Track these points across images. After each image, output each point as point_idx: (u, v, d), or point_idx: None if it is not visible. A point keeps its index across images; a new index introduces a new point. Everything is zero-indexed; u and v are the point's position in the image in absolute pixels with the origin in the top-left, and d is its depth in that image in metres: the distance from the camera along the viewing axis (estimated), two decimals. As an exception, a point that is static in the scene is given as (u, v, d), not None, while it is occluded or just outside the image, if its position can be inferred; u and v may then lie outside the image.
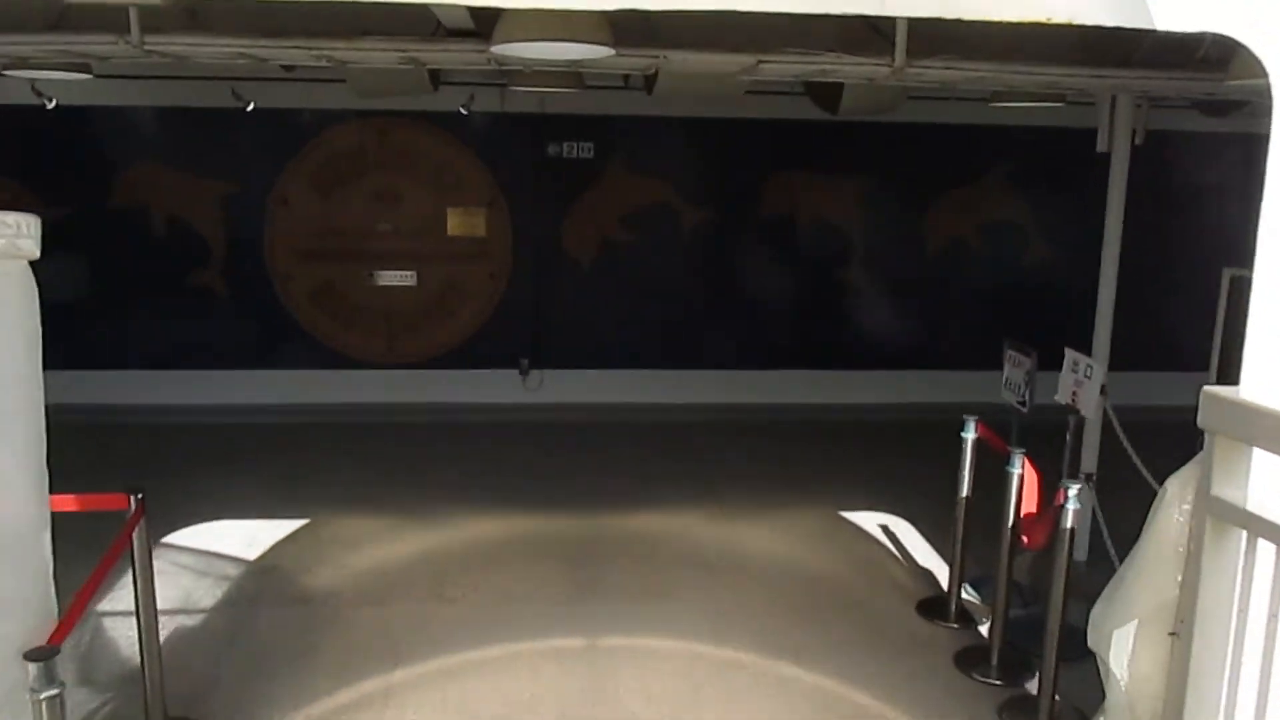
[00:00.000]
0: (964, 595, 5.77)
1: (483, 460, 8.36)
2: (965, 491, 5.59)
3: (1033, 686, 4.84)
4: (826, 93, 8.13)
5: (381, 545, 6.59)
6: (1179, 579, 3.11)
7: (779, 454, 8.72)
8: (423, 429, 9.24)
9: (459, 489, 7.65)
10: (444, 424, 9.37)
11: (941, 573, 6.22)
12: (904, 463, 8.43)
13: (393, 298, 9.59)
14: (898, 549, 6.68)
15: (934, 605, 5.81)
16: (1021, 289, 9.95)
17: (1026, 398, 5.62)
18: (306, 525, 6.84)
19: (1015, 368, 5.77)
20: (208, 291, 9.38)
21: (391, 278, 9.54)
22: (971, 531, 5.62)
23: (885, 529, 6.99)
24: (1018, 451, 4.96)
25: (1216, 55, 4.72)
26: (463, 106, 8.74)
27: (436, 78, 7.77)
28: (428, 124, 9.30)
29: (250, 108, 8.54)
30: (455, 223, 9.49)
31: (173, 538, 6.54)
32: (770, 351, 9.99)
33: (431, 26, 4.67)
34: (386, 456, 8.42)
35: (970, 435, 5.56)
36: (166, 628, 5.05)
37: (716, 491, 7.67)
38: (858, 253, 9.90)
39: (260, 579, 6.05)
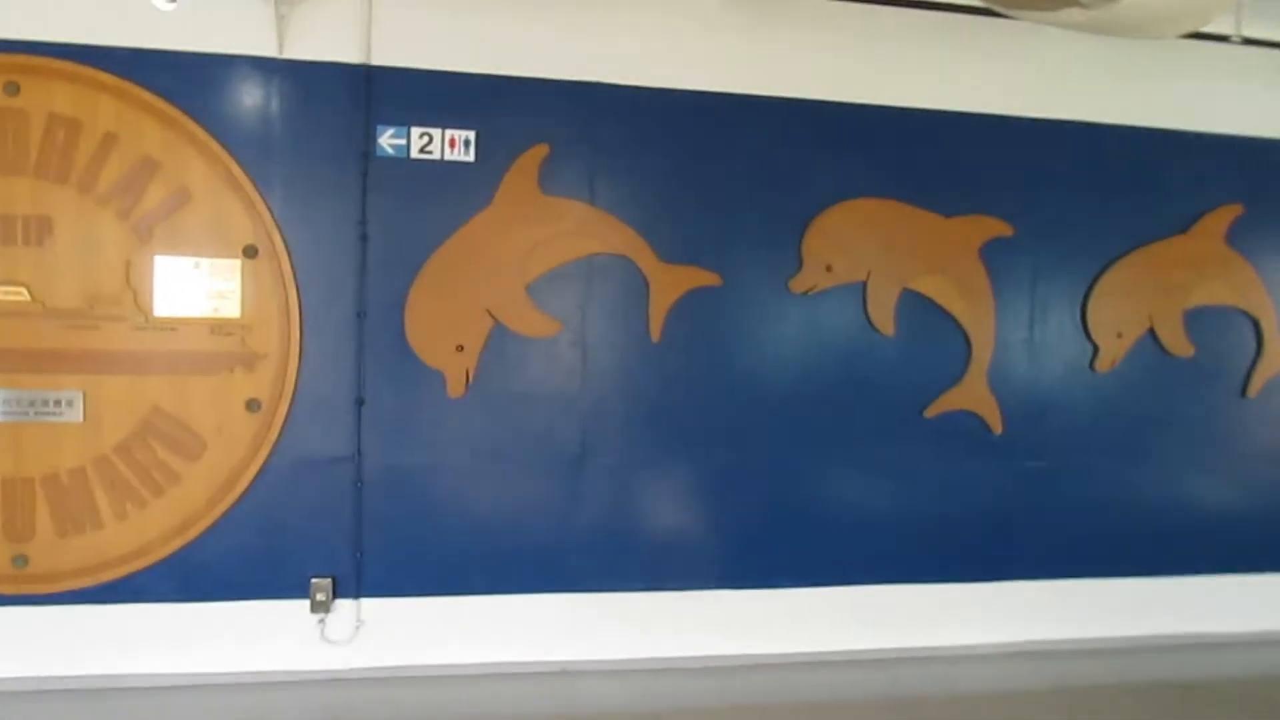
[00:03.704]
0: None
1: None
2: None
3: None
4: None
5: None
6: None
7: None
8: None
9: None
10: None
11: None
12: None
13: (27, 450, 4.35)
14: None
15: None
16: None
17: None
18: None
19: None
20: None
21: (23, 404, 4.32)
22: None
23: None
24: None
25: None
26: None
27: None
28: (114, 75, 4.26)
29: None
30: (172, 290, 4.40)
31: None
32: (828, 558, 5.16)
33: None
34: None
35: None
36: None
37: None
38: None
39: None
